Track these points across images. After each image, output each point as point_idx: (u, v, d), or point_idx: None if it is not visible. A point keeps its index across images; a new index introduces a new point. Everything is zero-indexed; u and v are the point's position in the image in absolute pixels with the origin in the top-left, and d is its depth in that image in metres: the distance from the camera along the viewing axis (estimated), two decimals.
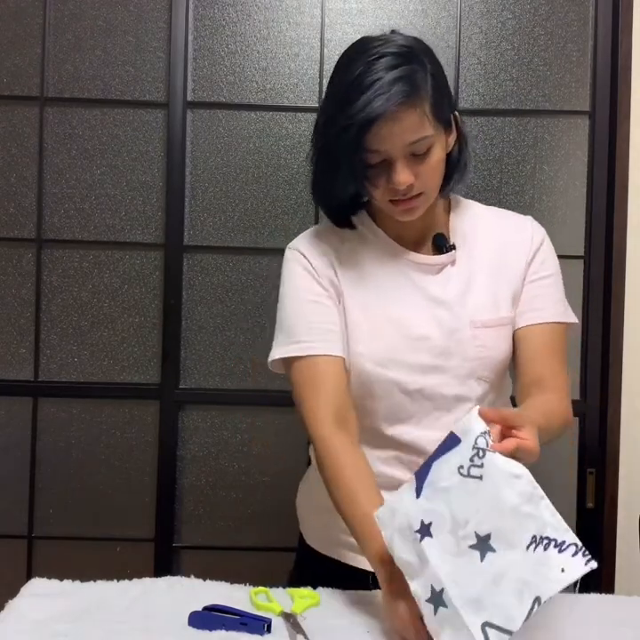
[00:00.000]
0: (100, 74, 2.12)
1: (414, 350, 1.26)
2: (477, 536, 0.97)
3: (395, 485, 1.28)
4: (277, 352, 1.28)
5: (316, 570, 1.33)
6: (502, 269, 1.31)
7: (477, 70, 2.12)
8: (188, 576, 1.28)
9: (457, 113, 1.27)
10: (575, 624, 1.14)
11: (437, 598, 0.98)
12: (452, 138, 1.26)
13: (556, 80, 2.13)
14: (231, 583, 1.27)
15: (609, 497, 2.06)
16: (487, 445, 0.97)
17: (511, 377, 1.41)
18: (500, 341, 1.29)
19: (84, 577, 1.28)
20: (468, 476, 0.99)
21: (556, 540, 0.95)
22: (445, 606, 0.98)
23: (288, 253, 1.33)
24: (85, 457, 2.15)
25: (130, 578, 1.27)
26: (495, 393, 1.31)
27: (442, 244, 1.30)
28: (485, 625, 0.96)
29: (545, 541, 0.95)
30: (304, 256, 1.30)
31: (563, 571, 0.94)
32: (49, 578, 1.26)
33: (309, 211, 2.12)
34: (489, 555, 0.96)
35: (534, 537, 0.95)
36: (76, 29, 2.12)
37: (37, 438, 2.15)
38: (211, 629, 1.09)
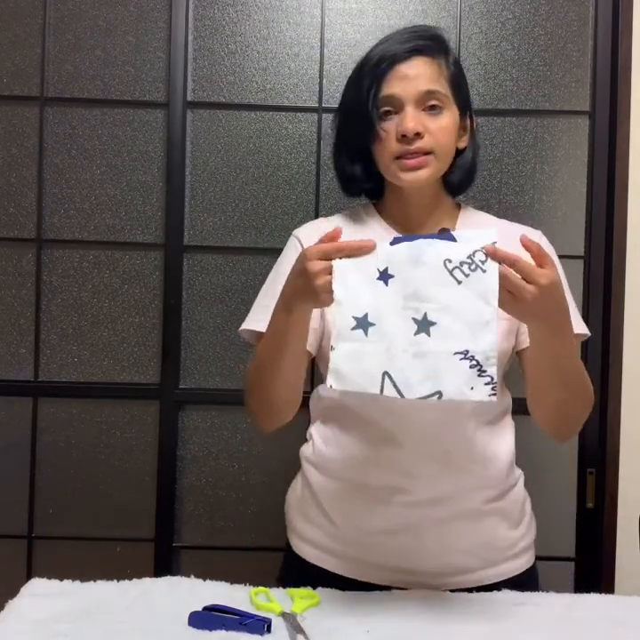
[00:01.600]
0: (100, 74, 2.12)
1: None
2: (425, 316, 1.05)
3: (380, 483, 1.28)
4: (249, 323, 1.34)
5: (301, 577, 1.33)
6: None
7: (477, 70, 2.12)
8: (188, 576, 1.28)
9: (475, 119, 1.34)
10: (575, 624, 1.14)
11: (363, 322, 1.06)
12: (466, 136, 1.32)
13: (556, 80, 2.13)
14: (231, 583, 1.27)
15: (609, 497, 2.06)
16: (486, 257, 1.05)
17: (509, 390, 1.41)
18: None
19: (84, 577, 1.28)
20: (450, 273, 1.05)
21: (481, 366, 1.03)
22: (365, 334, 1.05)
23: (290, 239, 1.38)
24: (85, 457, 2.14)
25: (130, 578, 1.27)
26: None
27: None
28: (387, 374, 1.05)
29: (473, 361, 1.04)
30: (301, 244, 1.34)
31: (471, 388, 1.03)
32: (49, 578, 1.26)
33: (309, 211, 2.12)
34: (422, 335, 1.05)
35: (467, 351, 1.04)
36: (76, 29, 2.12)
37: (37, 438, 2.15)
38: (211, 629, 1.09)
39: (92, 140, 2.13)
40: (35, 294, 2.14)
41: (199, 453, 2.15)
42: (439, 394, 1.03)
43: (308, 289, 1.07)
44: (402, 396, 1.03)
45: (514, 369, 1.38)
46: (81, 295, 2.14)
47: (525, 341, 1.32)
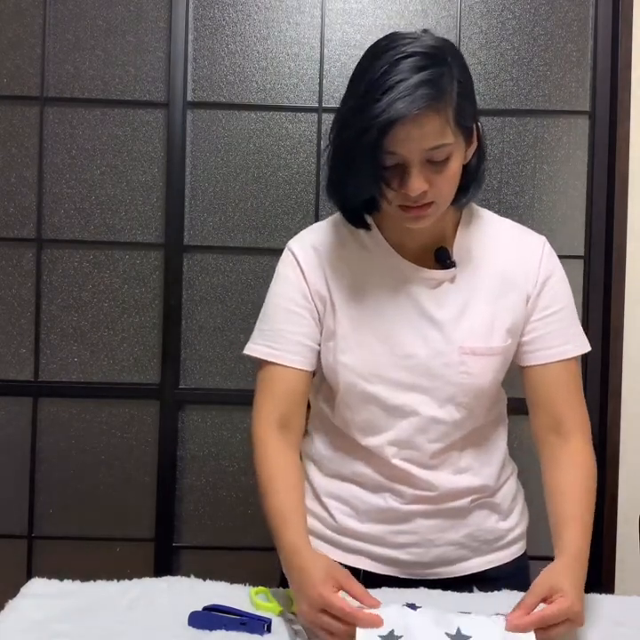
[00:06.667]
0: (100, 74, 2.12)
1: (398, 367, 1.24)
2: (458, 631, 1.01)
3: (373, 484, 1.29)
4: (249, 347, 1.32)
5: None
6: (504, 297, 1.27)
7: (477, 70, 2.12)
8: (188, 576, 1.28)
9: (480, 124, 1.23)
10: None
11: (390, 638, 1.01)
12: (472, 149, 1.22)
13: (556, 80, 2.13)
14: (231, 583, 1.27)
15: (609, 497, 2.06)
16: None
17: (501, 398, 1.40)
18: (487, 370, 1.26)
19: (84, 577, 1.28)
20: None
21: None
22: None
23: (286, 253, 1.32)
24: (85, 457, 2.15)
25: (130, 578, 1.27)
26: (474, 420, 1.29)
27: (443, 259, 1.26)
28: None
29: None
30: (299, 265, 1.29)
31: None
32: (49, 578, 1.26)
33: (309, 211, 2.12)
34: None
35: None
36: (76, 29, 2.12)
37: (37, 438, 2.15)
38: (211, 629, 1.09)
39: (92, 140, 2.13)
40: (35, 294, 2.14)
41: (199, 453, 2.15)
42: None
43: (324, 634, 1.06)
44: None
45: (509, 369, 1.38)
46: (81, 295, 2.14)
47: (531, 359, 1.29)
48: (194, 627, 1.10)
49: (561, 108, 2.13)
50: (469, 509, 1.31)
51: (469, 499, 1.30)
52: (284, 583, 1.27)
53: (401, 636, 1.01)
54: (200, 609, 1.13)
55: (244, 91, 2.13)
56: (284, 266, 1.32)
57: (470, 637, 1.01)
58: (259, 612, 1.14)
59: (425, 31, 1.19)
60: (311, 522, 1.36)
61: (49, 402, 2.15)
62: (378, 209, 1.28)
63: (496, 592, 1.25)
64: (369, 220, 1.30)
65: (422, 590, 1.26)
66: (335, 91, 2.09)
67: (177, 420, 2.13)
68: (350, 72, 1.29)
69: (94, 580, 1.27)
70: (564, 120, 2.13)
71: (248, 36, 2.12)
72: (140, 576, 1.28)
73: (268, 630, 1.09)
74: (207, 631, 1.09)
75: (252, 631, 1.08)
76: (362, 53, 1.25)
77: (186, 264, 2.13)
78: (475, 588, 1.29)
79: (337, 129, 1.19)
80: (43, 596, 1.20)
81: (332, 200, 1.28)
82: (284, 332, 1.29)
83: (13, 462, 2.15)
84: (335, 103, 1.34)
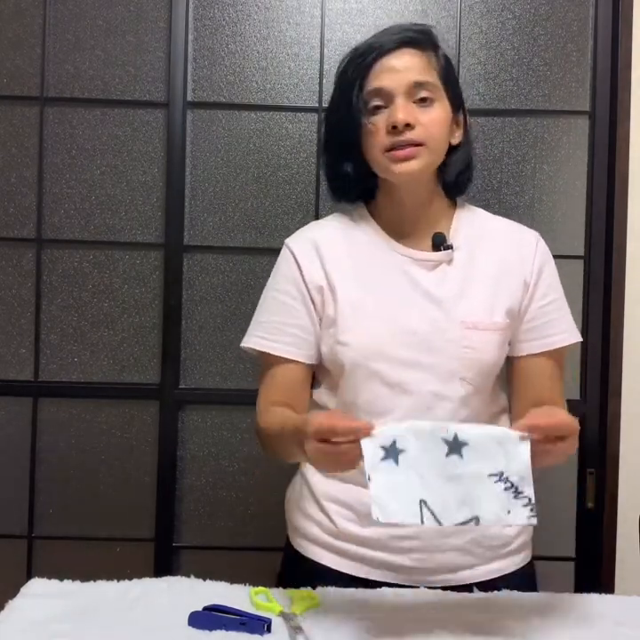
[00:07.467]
0: (100, 74, 2.12)
1: (399, 343, 1.26)
2: (455, 437, 1.03)
3: None
4: (247, 339, 1.35)
5: (300, 573, 1.33)
6: (502, 281, 1.30)
7: (477, 70, 2.12)
8: (188, 576, 1.28)
9: (468, 118, 1.32)
10: (575, 624, 1.14)
11: (392, 451, 1.03)
12: (460, 128, 1.29)
13: (556, 80, 2.13)
14: (231, 583, 1.27)
15: (609, 497, 2.06)
16: None
17: (504, 390, 1.41)
18: (490, 346, 1.28)
19: (84, 577, 1.28)
20: None
21: (516, 488, 1.02)
22: (396, 462, 1.03)
23: (283, 249, 1.37)
24: (85, 457, 2.14)
25: (130, 578, 1.27)
26: (481, 397, 1.30)
27: (440, 243, 1.30)
28: (423, 502, 1.02)
29: (508, 483, 1.02)
30: (295, 258, 1.33)
31: (509, 512, 1.02)
32: (49, 578, 1.26)
33: (309, 211, 2.12)
34: (454, 456, 1.03)
35: (501, 473, 1.03)
36: (76, 29, 2.12)
37: (37, 438, 2.15)
38: (211, 629, 1.09)
39: (92, 140, 2.13)
40: (35, 294, 2.14)
41: (199, 453, 2.15)
42: (476, 519, 1.01)
43: (336, 463, 1.08)
44: (440, 523, 1.01)
45: None
46: (81, 295, 2.14)
47: (516, 350, 1.33)
48: (194, 627, 1.10)
49: (561, 108, 2.13)
50: None
51: None
52: (283, 583, 1.28)
53: (403, 450, 1.02)
54: (200, 609, 1.13)
55: (244, 91, 2.13)
56: (281, 261, 1.36)
57: (466, 444, 1.03)
58: (259, 612, 1.14)
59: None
60: (310, 527, 1.35)
61: (49, 402, 2.15)
62: (375, 185, 1.33)
63: (496, 592, 1.25)
64: (360, 213, 1.36)
65: (422, 590, 1.26)
66: None
67: (177, 420, 2.13)
68: None
69: (94, 580, 1.27)
70: (564, 120, 2.13)
71: (248, 35, 2.12)
72: (140, 576, 1.28)
73: (268, 630, 1.10)
74: (207, 631, 1.09)
75: (252, 631, 1.09)
76: None
77: (186, 264, 2.13)
78: (475, 588, 1.29)
79: (333, 91, 1.31)
80: (43, 596, 1.20)
81: (324, 163, 1.36)
82: (278, 323, 1.32)
83: (13, 462, 2.15)
84: None
